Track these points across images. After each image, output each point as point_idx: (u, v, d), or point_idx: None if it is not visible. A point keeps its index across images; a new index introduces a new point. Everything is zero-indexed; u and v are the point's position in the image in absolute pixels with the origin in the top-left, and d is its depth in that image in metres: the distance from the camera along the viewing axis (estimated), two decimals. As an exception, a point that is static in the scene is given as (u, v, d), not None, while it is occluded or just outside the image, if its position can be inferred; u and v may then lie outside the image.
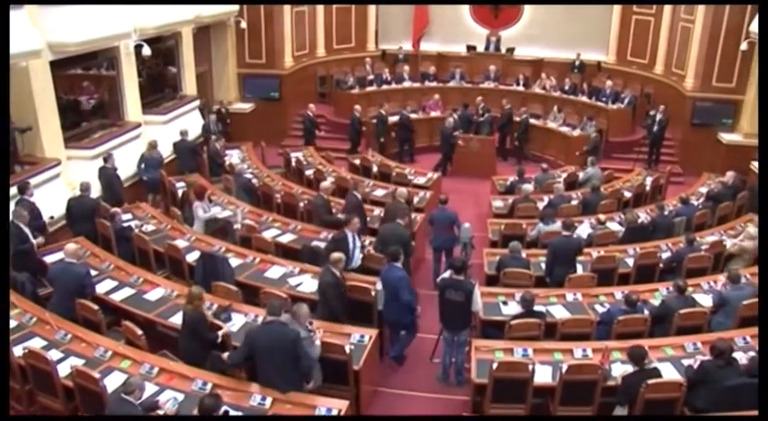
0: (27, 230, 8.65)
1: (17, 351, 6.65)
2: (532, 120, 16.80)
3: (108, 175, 11.12)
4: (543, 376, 6.68)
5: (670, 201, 12.27)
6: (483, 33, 19.81)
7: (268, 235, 10.01)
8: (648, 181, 13.34)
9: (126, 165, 11.79)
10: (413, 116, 16.68)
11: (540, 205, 11.54)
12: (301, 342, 6.26)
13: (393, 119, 16.34)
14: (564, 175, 13.55)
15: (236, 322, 7.45)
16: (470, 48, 19.50)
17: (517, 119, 16.41)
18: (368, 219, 10.59)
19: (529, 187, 11.95)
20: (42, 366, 6.44)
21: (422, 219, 10.72)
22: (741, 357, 6.58)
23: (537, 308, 7.58)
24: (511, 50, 19.33)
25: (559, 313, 7.92)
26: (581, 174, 13.36)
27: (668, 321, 7.62)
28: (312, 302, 8.15)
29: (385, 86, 18.18)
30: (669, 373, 6.65)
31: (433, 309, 7.94)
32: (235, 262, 8.92)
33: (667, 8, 17.22)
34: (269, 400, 6.14)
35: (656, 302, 8.10)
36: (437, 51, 19.96)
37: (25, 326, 7.22)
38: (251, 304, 7.94)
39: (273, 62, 17.28)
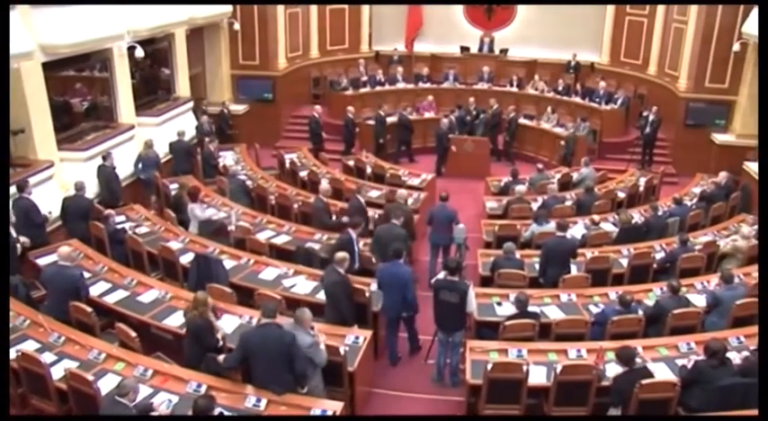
0: (12, 231, 8.68)
1: (10, 354, 6.61)
2: (526, 121, 16.88)
3: (106, 174, 11.13)
4: (538, 377, 6.68)
5: (664, 201, 12.32)
6: (476, 34, 19.83)
7: (262, 236, 10.00)
8: (642, 181, 13.38)
9: (120, 167, 11.72)
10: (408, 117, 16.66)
11: (535, 206, 11.55)
12: (297, 344, 6.24)
13: (390, 119, 16.34)
14: (558, 176, 13.57)
15: (228, 324, 7.42)
16: (464, 49, 19.52)
17: (505, 117, 16.49)
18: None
19: (522, 188, 11.97)
20: (36, 369, 6.42)
21: (417, 220, 10.71)
22: (735, 357, 6.61)
23: (531, 308, 7.60)
24: (504, 51, 19.37)
25: (554, 314, 7.94)
26: (575, 175, 13.38)
27: (662, 321, 7.64)
28: (311, 305, 8.19)
29: (378, 88, 18.15)
30: (663, 373, 6.67)
31: (428, 310, 7.95)
32: (229, 263, 8.90)
33: (660, 9, 17.27)
34: (264, 402, 6.13)
35: (650, 303, 8.12)
36: (431, 52, 19.96)
37: (18, 328, 7.19)
38: (245, 306, 7.93)
39: (267, 63, 17.25)
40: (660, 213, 10.85)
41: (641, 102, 17.44)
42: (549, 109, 16.85)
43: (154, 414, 5.88)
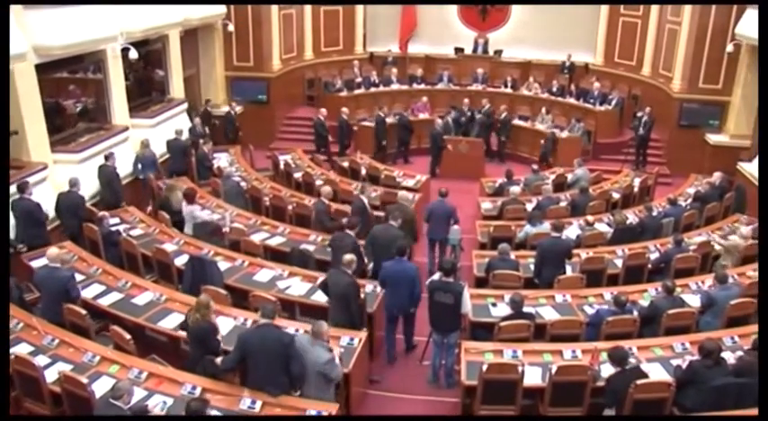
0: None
1: (4, 357, 6.60)
2: (520, 122, 16.91)
3: (108, 174, 11.14)
4: (533, 377, 6.68)
5: (658, 201, 12.34)
6: (471, 35, 19.86)
7: (257, 238, 9.98)
8: (636, 182, 13.40)
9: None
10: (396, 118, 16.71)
11: (529, 207, 11.56)
12: (294, 346, 6.23)
13: (388, 120, 16.39)
14: (552, 177, 13.58)
15: (223, 326, 7.39)
16: (458, 50, 19.55)
17: (497, 118, 16.55)
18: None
19: (517, 189, 11.98)
20: (29, 372, 6.38)
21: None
22: (729, 357, 6.62)
23: (526, 309, 7.60)
24: (499, 52, 19.41)
25: (549, 314, 7.94)
26: (569, 176, 13.40)
27: (657, 322, 7.65)
28: (306, 307, 8.20)
29: (373, 89, 18.18)
30: (658, 374, 6.68)
31: (423, 312, 7.95)
32: (223, 265, 8.88)
33: (654, 10, 17.34)
34: (259, 404, 6.11)
35: (644, 303, 8.12)
36: (425, 54, 20.01)
37: (12, 331, 7.13)
38: (240, 308, 7.91)
39: (261, 65, 17.25)
40: (655, 214, 10.87)
41: (635, 102, 17.48)
42: (543, 110, 16.86)
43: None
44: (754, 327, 7.42)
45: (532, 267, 9.07)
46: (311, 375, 6.31)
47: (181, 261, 8.96)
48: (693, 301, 8.20)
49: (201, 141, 13.62)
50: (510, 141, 16.74)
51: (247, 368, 6.38)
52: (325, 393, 6.40)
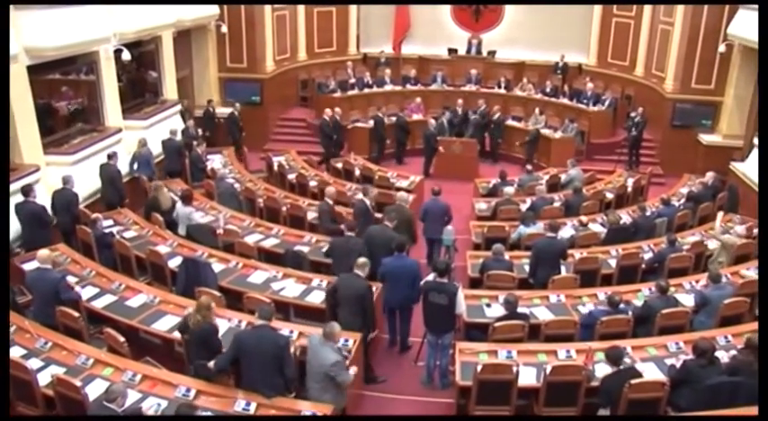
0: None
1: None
2: (514, 123, 16.91)
3: (111, 172, 11.16)
4: (527, 378, 6.69)
5: (651, 201, 12.37)
6: (464, 36, 19.89)
7: (251, 239, 9.96)
8: (630, 182, 13.43)
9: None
10: (393, 119, 16.72)
11: (523, 207, 11.57)
12: (289, 348, 6.22)
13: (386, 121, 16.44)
14: (546, 177, 13.60)
15: (219, 328, 7.37)
16: (452, 51, 19.55)
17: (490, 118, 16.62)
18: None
19: (510, 189, 12.00)
20: (22, 375, 6.34)
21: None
22: (723, 356, 6.64)
23: (520, 309, 7.61)
24: (492, 53, 19.43)
25: (543, 315, 7.94)
26: (563, 177, 13.42)
27: (651, 321, 7.67)
28: (300, 308, 8.19)
29: (366, 90, 18.18)
30: (652, 373, 6.69)
31: (418, 313, 7.95)
32: (217, 267, 8.86)
33: (647, 11, 17.39)
34: (253, 406, 6.10)
35: (638, 303, 8.14)
36: (418, 54, 20.00)
37: (5, 334, 7.12)
38: (234, 309, 7.89)
39: (255, 66, 17.23)
40: (648, 214, 10.90)
41: (629, 103, 17.53)
42: (537, 110, 16.89)
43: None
44: (748, 327, 7.48)
45: (527, 268, 9.09)
46: (318, 375, 6.31)
47: (174, 263, 8.94)
48: (687, 301, 8.23)
49: (195, 143, 13.59)
50: (504, 142, 16.78)
51: (241, 368, 6.37)
52: (335, 396, 6.38)
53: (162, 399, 6.18)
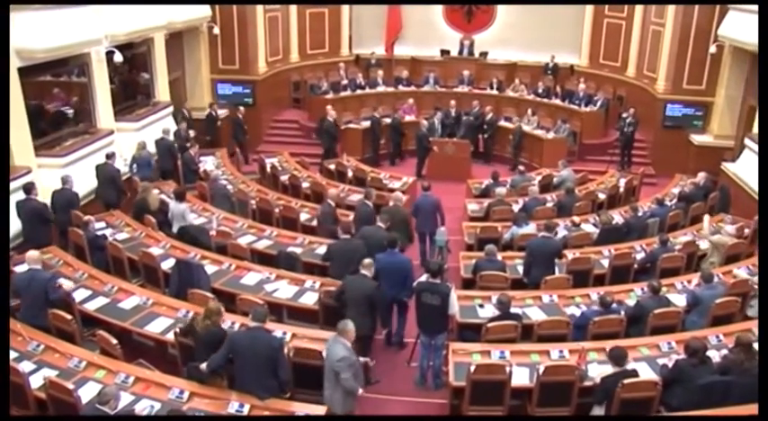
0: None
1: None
2: (506, 124, 16.94)
3: (111, 172, 11.17)
4: (520, 378, 6.71)
5: (644, 202, 12.41)
6: (456, 37, 19.92)
7: (243, 241, 9.95)
8: (622, 182, 13.48)
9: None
10: (387, 120, 16.73)
11: (516, 208, 11.59)
12: (283, 350, 6.22)
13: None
14: (539, 178, 13.63)
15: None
16: (444, 52, 19.57)
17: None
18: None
19: (503, 190, 12.02)
20: (13, 378, 6.29)
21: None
22: (714, 355, 6.67)
23: (513, 310, 7.63)
24: (484, 54, 19.47)
25: (536, 315, 7.97)
26: (555, 177, 13.45)
27: (643, 321, 7.70)
28: (293, 310, 8.18)
29: (359, 91, 18.17)
30: (645, 373, 6.71)
31: (411, 314, 7.96)
32: (210, 269, 8.85)
33: (638, 12, 17.48)
34: (247, 407, 6.09)
35: (631, 303, 8.17)
36: (411, 56, 20.01)
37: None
38: (227, 311, 7.84)
39: (247, 68, 17.20)
40: (640, 214, 10.94)
41: (620, 103, 17.61)
42: (529, 111, 16.94)
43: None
44: (739, 326, 7.52)
45: (520, 268, 9.11)
46: (329, 373, 6.33)
47: (167, 265, 8.92)
48: (679, 301, 8.27)
49: (188, 144, 13.57)
50: (497, 143, 16.82)
51: (235, 370, 6.36)
52: (342, 400, 6.36)
53: (155, 401, 6.16)
